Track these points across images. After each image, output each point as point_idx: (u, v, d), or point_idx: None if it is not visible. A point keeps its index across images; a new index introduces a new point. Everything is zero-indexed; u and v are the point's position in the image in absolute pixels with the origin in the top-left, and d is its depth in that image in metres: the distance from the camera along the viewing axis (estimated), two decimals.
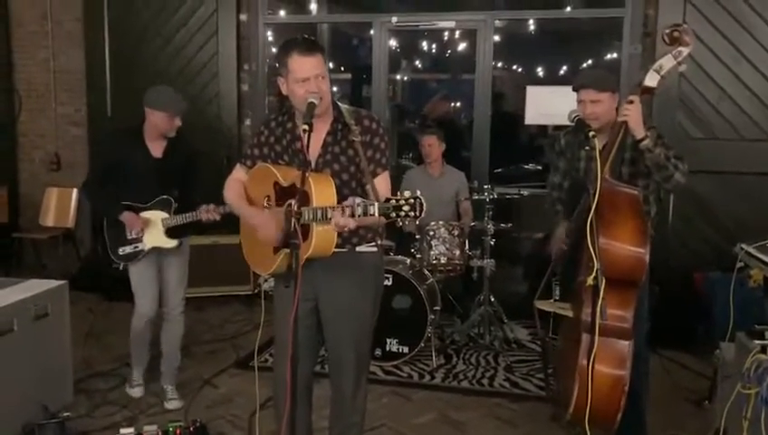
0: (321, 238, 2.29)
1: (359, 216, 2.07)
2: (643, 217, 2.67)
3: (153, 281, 3.70)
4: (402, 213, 2.01)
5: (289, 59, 2.38)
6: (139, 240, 3.61)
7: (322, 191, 2.30)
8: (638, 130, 2.68)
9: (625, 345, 2.61)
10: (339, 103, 2.54)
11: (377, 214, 2.03)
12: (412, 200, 2.01)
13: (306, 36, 2.47)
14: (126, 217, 3.56)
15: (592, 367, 2.46)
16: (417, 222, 2.09)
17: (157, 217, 3.60)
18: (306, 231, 2.28)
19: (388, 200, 2.03)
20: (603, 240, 2.53)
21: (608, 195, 2.60)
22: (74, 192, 6.13)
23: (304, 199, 2.26)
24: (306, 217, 2.23)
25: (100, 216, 3.75)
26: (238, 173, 2.69)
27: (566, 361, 2.77)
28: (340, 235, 2.36)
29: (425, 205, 2.02)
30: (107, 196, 3.66)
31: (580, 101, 2.87)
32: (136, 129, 3.62)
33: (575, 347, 2.61)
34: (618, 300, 2.62)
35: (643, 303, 2.96)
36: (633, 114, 2.66)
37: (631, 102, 2.67)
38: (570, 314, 2.82)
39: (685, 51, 2.65)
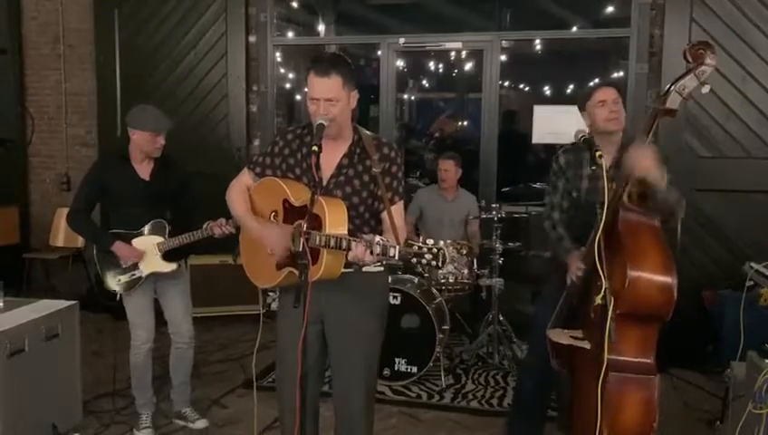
0: (331, 264, 2.28)
1: (377, 254, 2.07)
2: (668, 248, 2.52)
3: (150, 309, 3.57)
4: (424, 260, 2.00)
5: (308, 75, 2.39)
6: (135, 267, 3.47)
7: (335, 217, 2.28)
8: (659, 181, 2.53)
9: (652, 381, 2.50)
10: (359, 127, 2.53)
11: (397, 257, 2.03)
12: (435, 250, 2.00)
13: (333, 54, 2.50)
14: (118, 248, 3.42)
15: (606, 400, 2.36)
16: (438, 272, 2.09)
17: (150, 242, 3.48)
18: (315, 254, 2.27)
19: (410, 246, 2.02)
20: (633, 273, 2.39)
21: (629, 224, 2.52)
22: None
23: (314, 224, 2.26)
24: (317, 242, 2.23)
25: (90, 246, 3.54)
26: (245, 178, 2.64)
27: (585, 396, 2.56)
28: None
29: (447, 257, 2.01)
30: (94, 226, 3.55)
31: (601, 102, 2.83)
32: (122, 152, 3.53)
33: (594, 382, 2.47)
34: (641, 337, 2.53)
35: None
36: (653, 165, 2.46)
37: (646, 152, 2.47)
38: (586, 345, 2.66)
39: (708, 70, 2.47)
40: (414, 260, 2.00)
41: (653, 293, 2.45)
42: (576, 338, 2.69)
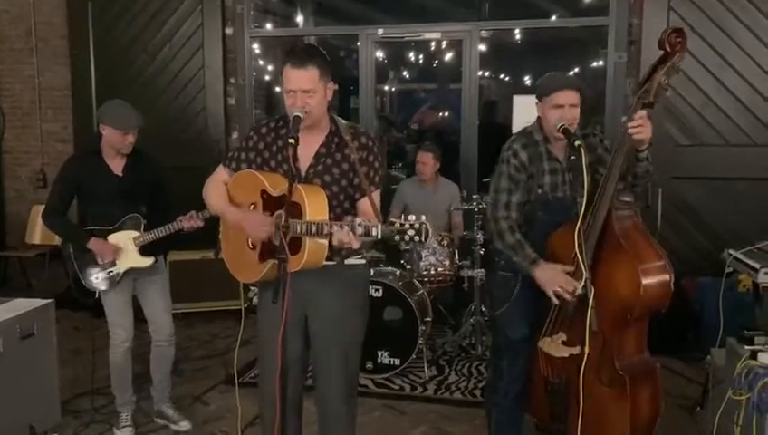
0: (313, 252, 2.26)
1: (359, 235, 2.05)
2: (655, 240, 2.60)
3: (129, 307, 3.52)
4: (407, 237, 1.97)
5: (284, 67, 2.37)
6: (112, 263, 3.42)
7: (315, 204, 2.26)
8: (647, 144, 2.61)
9: (657, 370, 2.63)
10: (336, 117, 2.52)
11: (379, 236, 2.01)
12: (417, 225, 1.97)
13: (308, 45, 2.48)
14: (94, 244, 3.38)
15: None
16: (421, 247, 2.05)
17: (126, 237, 3.43)
18: (297, 243, 2.25)
19: (392, 223, 1.99)
20: (647, 281, 2.44)
21: (624, 223, 2.56)
22: None
23: (294, 212, 2.23)
24: (299, 231, 2.20)
25: (66, 244, 3.50)
26: (221, 175, 2.63)
27: (593, 402, 2.52)
28: (330, 246, 2.33)
29: (431, 230, 1.99)
30: (70, 224, 3.51)
31: (558, 105, 2.65)
32: (94, 148, 3.47)
33: (599, 385, 2.54)
34: (641, 332, 2.61)
35: None
36: (649, 130, 2.54)
37: (642, 117, 2.52)
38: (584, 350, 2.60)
39: (681, 57, 2.51)
40: (397, 237, 1.97)
41: (660, 292, 2.51)
42: (568, 345, 2.66)
